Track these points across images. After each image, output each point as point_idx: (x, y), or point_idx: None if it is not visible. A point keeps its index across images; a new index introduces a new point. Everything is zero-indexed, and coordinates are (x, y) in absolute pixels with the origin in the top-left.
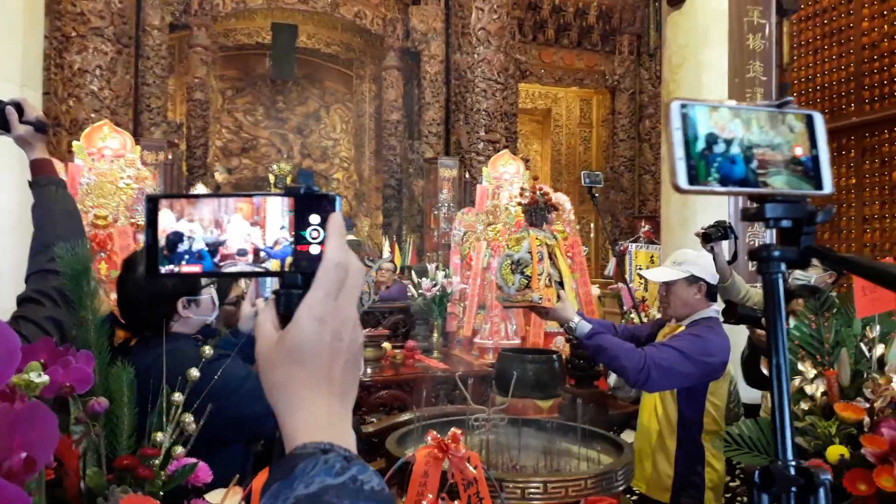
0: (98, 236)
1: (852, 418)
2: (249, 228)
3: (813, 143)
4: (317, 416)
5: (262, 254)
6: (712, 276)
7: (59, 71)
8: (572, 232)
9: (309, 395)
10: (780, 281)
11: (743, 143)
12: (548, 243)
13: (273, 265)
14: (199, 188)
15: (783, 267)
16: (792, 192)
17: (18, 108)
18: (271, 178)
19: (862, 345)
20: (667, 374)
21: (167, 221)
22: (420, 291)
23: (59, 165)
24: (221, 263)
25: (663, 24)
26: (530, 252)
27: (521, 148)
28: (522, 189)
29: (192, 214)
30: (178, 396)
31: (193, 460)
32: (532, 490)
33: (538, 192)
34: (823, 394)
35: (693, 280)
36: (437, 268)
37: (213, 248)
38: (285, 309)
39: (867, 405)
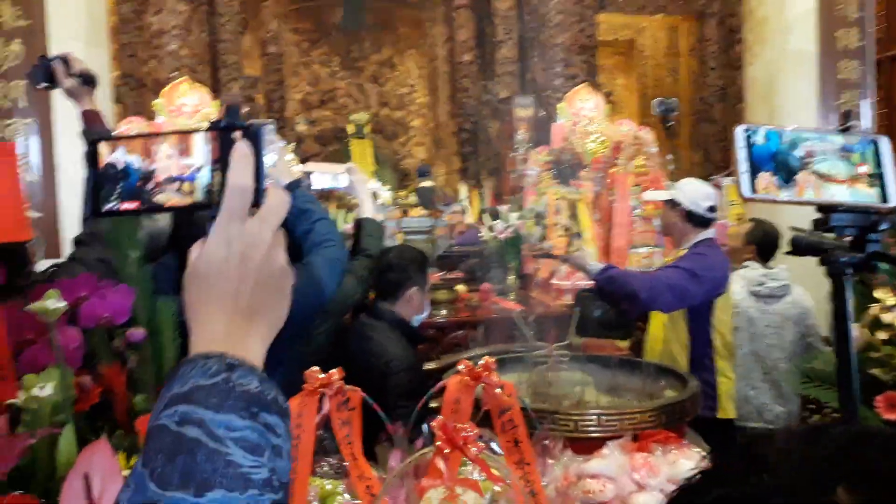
0: None
1: None
2: (176, 158)
3: (878, 162)
4: (214, 331)
5: (187, 183)
6: (692, 204)
7: (140, 33)
8: (654, 167)
9: (211, 310)
10: (849, 284)
11: (805, 160)
12: (568, 198)
13: (198, 194)
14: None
15: (850, 271)
16: (855, 202)
17: (65, 62)
18: (350, 128)
19: None
20: (677, 292)
21: (104, 156)
22: (493, 234)
23: (143, 124)
24: (153, 191)
25: None
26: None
27: (605, 82)
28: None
29: (125, 146)
30: None
31: None
32: (585, 423)
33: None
34: None
35: (673, 205)
36: (509, 209)
37: (145, 177)
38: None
39: None
